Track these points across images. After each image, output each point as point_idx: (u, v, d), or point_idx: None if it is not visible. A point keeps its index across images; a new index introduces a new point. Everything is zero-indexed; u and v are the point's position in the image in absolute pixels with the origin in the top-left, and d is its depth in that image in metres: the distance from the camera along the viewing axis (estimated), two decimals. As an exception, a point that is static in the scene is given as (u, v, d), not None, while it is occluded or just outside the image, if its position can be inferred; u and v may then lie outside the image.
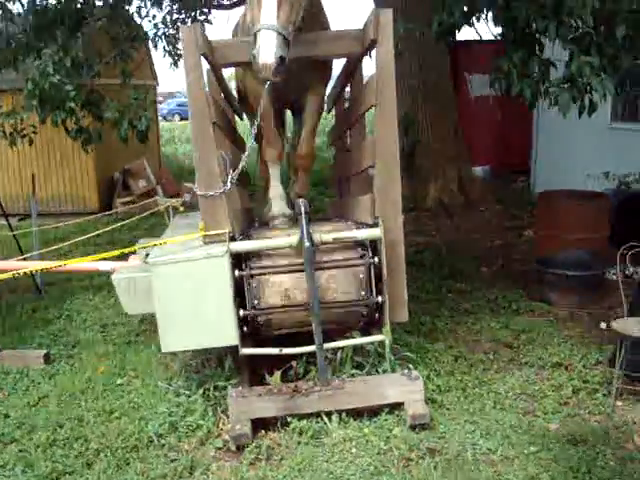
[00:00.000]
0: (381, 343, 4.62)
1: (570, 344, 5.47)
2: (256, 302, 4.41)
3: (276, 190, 5.12)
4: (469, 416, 4.41)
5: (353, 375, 4.53)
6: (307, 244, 4.21)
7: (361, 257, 4.45)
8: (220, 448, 4.16)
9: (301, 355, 4.61)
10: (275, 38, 3.88)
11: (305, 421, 4.27)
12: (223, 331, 4.37)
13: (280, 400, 4.28)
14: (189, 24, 8.52)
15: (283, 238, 4.42)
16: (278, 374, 4.57)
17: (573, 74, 4.87)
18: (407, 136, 10.30)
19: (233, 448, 4.10)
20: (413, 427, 4.22)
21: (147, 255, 4.87)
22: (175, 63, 9.24)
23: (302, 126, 5.14)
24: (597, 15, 4.89)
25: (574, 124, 9.47)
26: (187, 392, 4.68)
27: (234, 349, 4.50)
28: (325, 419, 4.30)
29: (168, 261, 4.28)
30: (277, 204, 5.06)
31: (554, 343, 5.50)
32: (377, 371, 4.60)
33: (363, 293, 4.48)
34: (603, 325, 5.90)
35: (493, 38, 6.71)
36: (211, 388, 4.61)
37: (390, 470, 3.84)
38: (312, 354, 4.50)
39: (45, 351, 5.51)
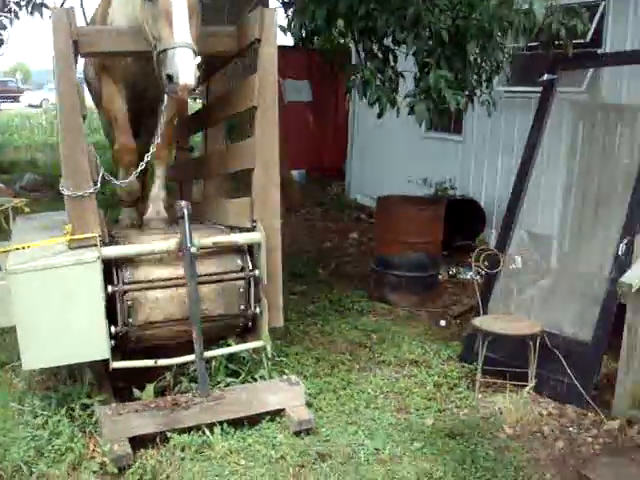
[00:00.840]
0: (254, 350, 4.54)
1: (419, 342, 5.75)
2: (130, 320, 4.11)
3: (154, 190, 4.85)
4: (347, 417, 4.46)
5: (229, 384, 4.39)
6: (190, 248, 4.00)
7: (241, 270, 4.33)
8: (96, 471, 3.80)
9: (169, 367, 4.38)
10: (192, 58, 3.67)
11: (186, 435, 4.04)
12: (93, 344, 4.00)
13: (159, 415, 4.01)
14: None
15: (160, 243, 4.15)
16: (151, 387, 4.29)
17: (430, 86, 5.14)
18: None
19: (113, 470, 3.76)
20: (297, 433, 4.17)
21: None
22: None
23: (158, 119, 4.83)
24: (450, 31, 5.22)
25: (390, 131, 10.08)
26: (45, 413, 4.21)
27: (96, 363, 4.17)
28: (207, 432, 4.11)
29: (30, 268, 3.82)
30: (154, 205, 4.80)
31: (404, 342, 5.74)
32: (254, 378, 4.50)
33: (242, 307, 4.37)
34: (443, 323, 6.30)
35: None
36: (76, 407, 4.19)
37: (287, 479, 3.76)
38: (182, 364, 4.32)
39: None
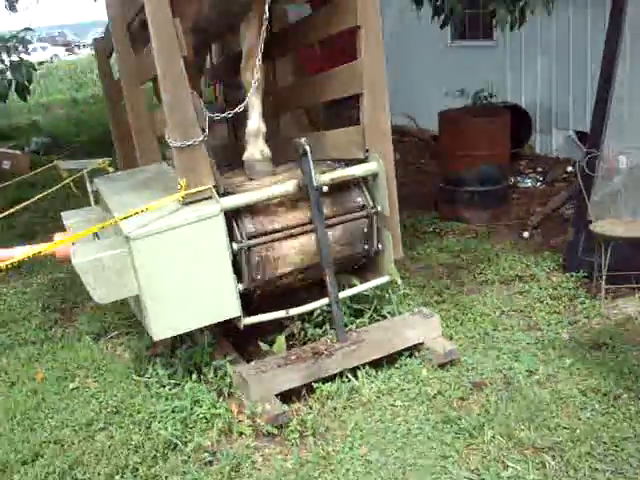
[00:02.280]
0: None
1: (513, 257, 5.57)
2: (258, 276, 3.85)
3: (251, 124, 4.25)
4: (481, 343, 4.30)
5: (358, 325, 4.19)
6: (314, 186, 3.71)
7: (362, 207, 4.05)
8: (249, 434, 3.61)
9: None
10: None
11: (329, 384, 3.87)
12: (224, 303, 3.75)
13: (303, 367, 3.80)
14: None
15: (278, 186, 3.85)
16: (282, 339, 4.08)
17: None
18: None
19: (270, 430, 3.57)
20: (442, 365, 4.01)
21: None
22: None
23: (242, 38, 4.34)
24: None
25: (413, 46, 9.65)
26: (173, 381, 4.00)
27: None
28: (350, 377, 3.93)
29: (152, 231, 3.52)
30: (254, 144, 4.25)
31: (498, 258, 5.56)
32: (382, 316, 4.30)
33: (366, 247, 4.14)
34: (525, 234, 6.11)
35: None
36: (209, 371, 3.97)
37: (455, 413, 3.59)
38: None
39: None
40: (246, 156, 4.25)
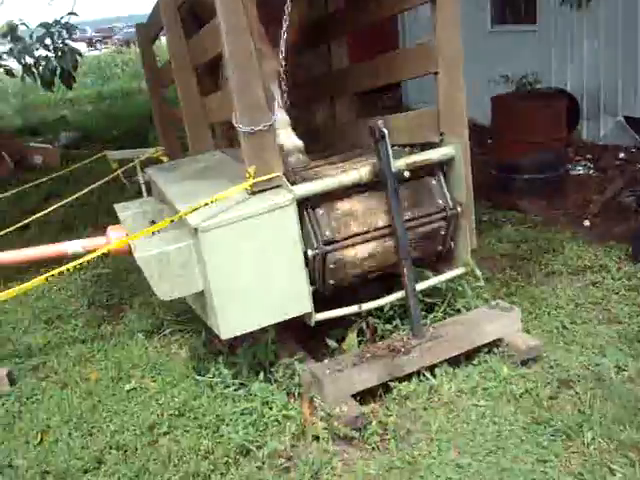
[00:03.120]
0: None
1: (578, 246, 5.30)
2: (331, 281, 3.64)
3: (280, 117, 3.97)
4: (560, 337, 4.05)
5: (431, 320, 3.95)
6: (393, 172, 3.46)
7: (443, 210, 3.80)
8: (326, 438, 3.38)
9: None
10: None
11: (406, 383, 3.63)
12: (294, 298, 3.52)
13: (380, 365, 3.56)
14: None
15: (351, 173, 3.60)
16: (353, 336, 3.85)
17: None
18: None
19: (349, 434, 3.33)
20: (524, 362, 3.76)
21: (152, 222, 3.86)
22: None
23: None
24: None
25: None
26: (237, 381, 3.77)
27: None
28: (428, 375, 3.69)
29: (223, 222, 3.29)
30: (284, 135, 3.99)
31: (563, 248, 5.30)
32: (456, 310, 4.06)
33: (440, 249, 3.92)
34: (587, 223, 5.85)
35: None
36: (278, 370, 3.74)
37: (546, 413, 3.34)
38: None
39: (5, 369, 4.19)
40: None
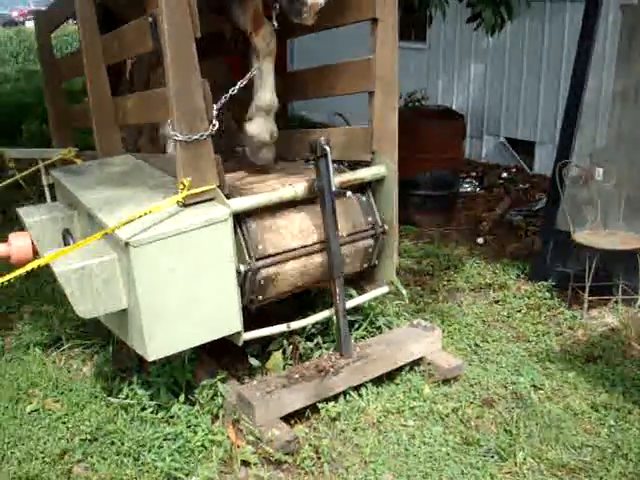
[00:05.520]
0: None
1: (476, 263, 5.50)
2: (259, 297, 3.51)
3: (264, 97, 3.71)
4: (474, 355, 4.17)
5: (354, 338, 3.93)
6: (332, 190, 3.40)
7: (372, 227, 3.80)
8: (257, 464, 3.25)
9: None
10: None
11: (333, 403, 3.58)
12: (225, 317, 3.36)
13: (310, 386, 3.48)
14: None
15: (287, 189, 3.50)
16: (279, 355, 3.75)
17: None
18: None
19: (282, 458, 3.22)
20: (445, 381, 3.83)
21: (67, 231, 3.56)
22: None
23: None
24: None
25: (337, 43, 9.43)
26: (154, 403, 3.55)
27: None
28: (353, 395, 3.66)
29: (157, 236, 3.08)
30: (264, 122, 3.74)
31: (462, 265, 5.48)
32: (376, 327, 4.06)
33: (366, 265, 3.92)
34: (480, 240, 6.08)
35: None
36: (201, 392, 3.55)
37: (475, 433, 3.41)
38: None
39: None
40: (253, 134, 3.75)
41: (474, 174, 7.88)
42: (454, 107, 8.53)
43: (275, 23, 3.43)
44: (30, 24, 30.08)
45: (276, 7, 3.37)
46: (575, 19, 6.85)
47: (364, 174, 3.72)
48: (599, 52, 5.29)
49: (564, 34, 7.35)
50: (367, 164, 3.80)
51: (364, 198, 3.78)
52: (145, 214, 3.07)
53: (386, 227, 3.81)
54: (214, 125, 3.24)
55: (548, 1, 7.52)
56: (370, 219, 3.78)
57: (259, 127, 3.72)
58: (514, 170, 7.95)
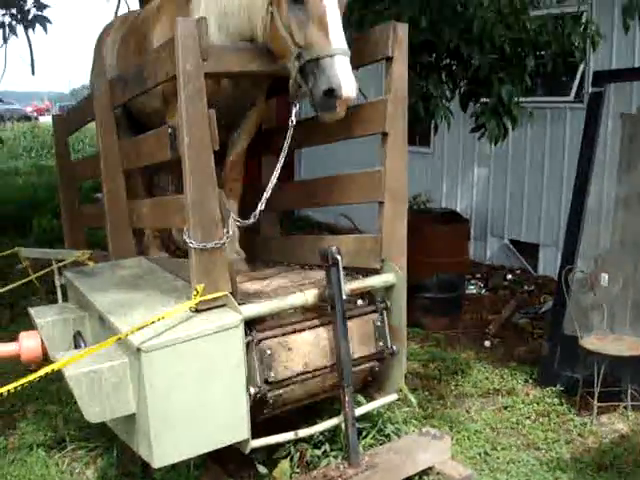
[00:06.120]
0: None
1: (484, 368, 5.48)
2: (271, 374, 3.48)
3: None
4: (484, 464, 4.09)
5: (363, 446, 3.88)
6: (342, 298, 3.45)
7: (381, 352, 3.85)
8: None
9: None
10: (350, 67, 3.15)
11: (341, 515, 3.51)
12: (234, 424, 3.34)
13: (318, 497, 3.44)
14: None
15: (298, 295, 3.55)
16: (286, 464, 3.70)
17: (502, 101, 4.89)
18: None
19: None
20: (455, 492, 3.76)
21: (78, 333, 3.60)
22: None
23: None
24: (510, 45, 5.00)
25: (350, 148, 9.74)
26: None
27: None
28: (362, 507, 3.59)
29: (168, 342, 3.11)
30: (230, 247, 3.96)
31: (469, 369, 5.45)
32: (385, 435, 4.01)
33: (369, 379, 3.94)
34: (487, 343, 6.08)
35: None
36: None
37: None
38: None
39: None
40: None
41: (479, 276, 7.94)
42: (458, 209, 8.70)
43: (294, 119, 3.54)
44: (44, 119, 31.05)
45: (296, 105, 3.49)
46: (575, 124, 7.13)
47: (373, 282, 3.78)
48: (600, 159, 5.47)
49: (564, 139, 7.58)
50: (376, 271, 3.86)
51: (379, 323, 3.81)
52: (158, 320, 3.11)
53: (395, 349, 3.83)
54: (229, 233, 3.34)
55: (548, 108, 7.78)
56: (381, 344, 3.80)
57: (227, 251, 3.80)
58: (519, 272, 8.01)
